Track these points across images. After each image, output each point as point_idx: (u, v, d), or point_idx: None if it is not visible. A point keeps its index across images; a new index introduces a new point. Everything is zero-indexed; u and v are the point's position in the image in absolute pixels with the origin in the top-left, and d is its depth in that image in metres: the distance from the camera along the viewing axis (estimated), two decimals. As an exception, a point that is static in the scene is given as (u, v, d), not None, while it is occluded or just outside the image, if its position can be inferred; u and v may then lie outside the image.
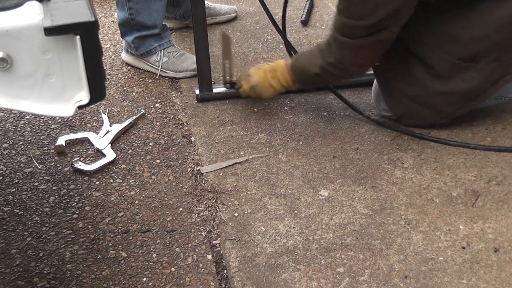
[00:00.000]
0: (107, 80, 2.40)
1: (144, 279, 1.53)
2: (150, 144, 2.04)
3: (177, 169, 1.91)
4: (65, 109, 1.05)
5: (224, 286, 1.50)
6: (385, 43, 1.78)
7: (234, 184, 1.80)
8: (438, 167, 1.83)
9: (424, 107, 1.92)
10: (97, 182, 1.86)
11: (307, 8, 2.84)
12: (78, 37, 0.97)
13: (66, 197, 1.80)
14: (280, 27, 2.16)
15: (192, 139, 2.04)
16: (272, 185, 1.79)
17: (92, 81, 1.02)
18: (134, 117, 2.14)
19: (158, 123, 2.14)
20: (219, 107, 2.18)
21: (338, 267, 1.51)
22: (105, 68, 2.52)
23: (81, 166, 1.90)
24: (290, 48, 2.16)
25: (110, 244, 1.63)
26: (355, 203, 1.71)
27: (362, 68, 1.91)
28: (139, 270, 1.55)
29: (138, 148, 2.02)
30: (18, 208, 1.76)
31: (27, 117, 2.19)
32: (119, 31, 2.46)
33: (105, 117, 2.14)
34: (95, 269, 1.56)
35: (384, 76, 1.98)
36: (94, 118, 2.17)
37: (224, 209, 1.71)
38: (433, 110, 1.92)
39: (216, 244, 1.62)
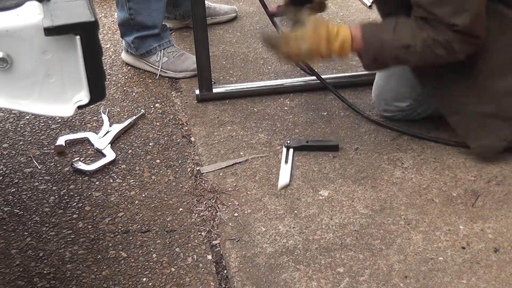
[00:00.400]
0: (107, 80, 2.40)
1: (144, 279, 1.53)
2: (150, 144, 2.04)
3: (177, 169, 1.91)
4: (65, 109, 1.05)
5: (224, 286, 1.50)
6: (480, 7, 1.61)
7: (234, 184, 1.80)
8: (438, 167, 1.83)
9: (490, 117, 1.77)
10: (97, 182, 1.86)
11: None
12: (78, 37, 0.97)
13: (66, 197, 1.80)
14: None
15: (192, 139, 2.04)
16: (272, 185, 1.79)
17: (92, 81, 1.02)
18: (134, 117, 2.14)
19: (158, 123, 2.14)
20: (219, 107, 2.18)
21: (338, 267, 1.51)
22: (105, 68, 2.52)
23: (81, 166, 1.90)
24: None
25: (110, 244, 1.63)
26: (355, 203, 1.71)
27: (475, 46, 1.66)
28: (139, 270, 1.55)
29: (138, 148, 2.02)
30: (18, 208, 1.76)
31: (27, 117, 2.19)
32: (119, 31, 2.46)
33: (105, 117, 2.14)
34: (95, 269, 1.56)
35: (444, 93, 1.84)
36: (94, 118, 2.17)
37: (224, 209, 1.71)
38: (502, 117, 1.77)
39: (216, 244, 1.62)
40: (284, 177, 1.80)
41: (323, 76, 2.12)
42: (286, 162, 1.86)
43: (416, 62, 1.78)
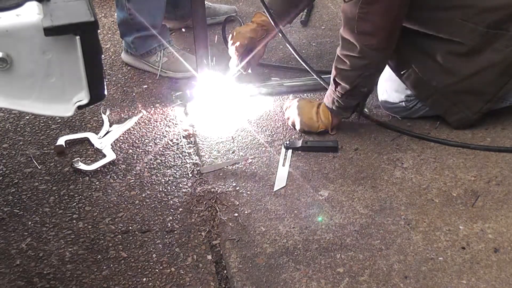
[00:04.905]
0: (107, 80, 2.40)
1: (144, 279, 1.53)
2: (150, 144, 2.04)
3: (177, 169, 1.91)
4: (65, 109, 1.05)
5: (224, 286, 1.50)
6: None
7: (234, 184, 1.80)
8: (438, 167, 1.83)
9: (465, 94, 1.89)
10: (97, 182, 1.86)
11: (307, 8, 2.84)
12: (78, 37, 0.97)
13: (66, 197, 1.80)
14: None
15: (192, 139, 2.04)
16: (272, 185, 1.79)
17: (92, 81, 1.02)
18: (134, 117, 2.14)
19: (158, 123, 2.14)
20: (219, 107, 2.18)
21: (338, 267, 1.51)
22: (105, 68, 2.52)
23: (81, 166, 1.90)
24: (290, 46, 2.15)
25: (110, 244, 1.63)
26: (355, 203, 1.71)
27: (369, 38, 1.73)
28: (139, 270, 1.55)
29: (138, 148, 2.02)
30: (18, 208, 1.76)
31: (27, 117, 2.18)
32: (119, 31, 2.46)
33: (105, 117, 2.13)
34: (95, 269, 1.56)
35: (414, 78, 1.93)
36: (94, 118, 2.17)
37: (224, 209, 1.71)
38: (475, 94, 1.88)
39: (216, 244, 1.62)
40: (280, 180, 1.80)
41: (323, 76, 2.12)
42: (283, 164, 1.86)
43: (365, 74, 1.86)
